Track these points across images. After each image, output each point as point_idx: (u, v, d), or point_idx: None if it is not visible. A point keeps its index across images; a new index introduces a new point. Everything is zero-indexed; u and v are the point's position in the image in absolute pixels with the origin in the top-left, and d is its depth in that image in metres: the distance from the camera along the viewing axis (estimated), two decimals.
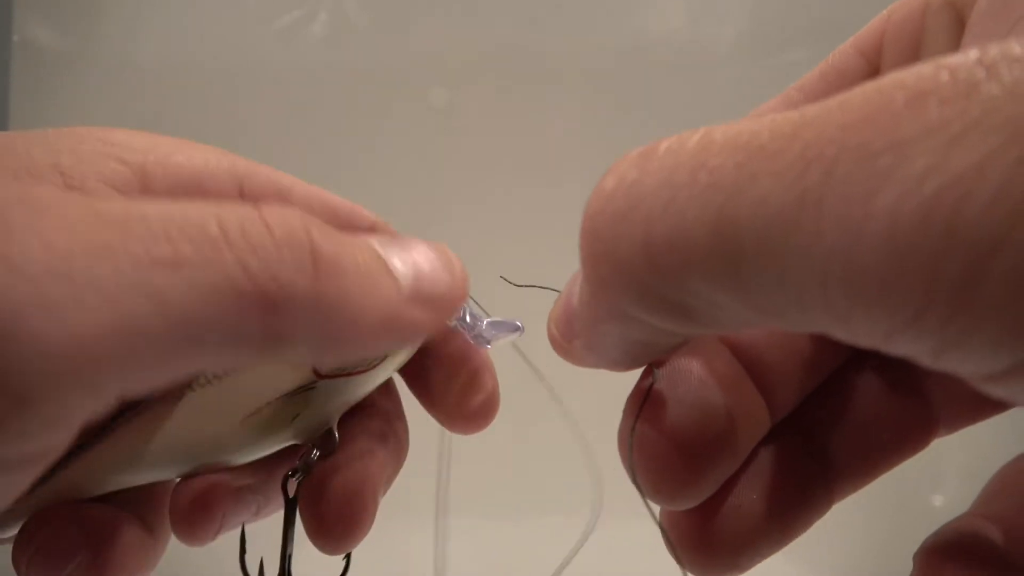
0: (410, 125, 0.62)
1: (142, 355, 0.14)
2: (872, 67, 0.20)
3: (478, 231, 0.59)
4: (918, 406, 0.20)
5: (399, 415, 0.23)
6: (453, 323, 0.22)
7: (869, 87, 0.12)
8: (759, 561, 0.19)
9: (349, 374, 0.21)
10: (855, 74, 0.20)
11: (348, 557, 0.23)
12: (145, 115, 0.62)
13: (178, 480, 0.22)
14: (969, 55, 0.11)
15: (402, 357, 0.22)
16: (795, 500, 0.19)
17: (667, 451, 0.18)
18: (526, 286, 0.22)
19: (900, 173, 0.10)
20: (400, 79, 0.62)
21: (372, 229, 0.22)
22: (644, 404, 0.19)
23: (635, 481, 0.18)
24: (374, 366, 0.21)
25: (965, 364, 0.11)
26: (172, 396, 0.18)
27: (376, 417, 0.23)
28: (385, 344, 0.19)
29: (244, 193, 0.20)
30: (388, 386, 0.24)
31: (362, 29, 0.63)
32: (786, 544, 0.20)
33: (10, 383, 0.13)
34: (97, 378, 0.14)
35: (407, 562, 0.52)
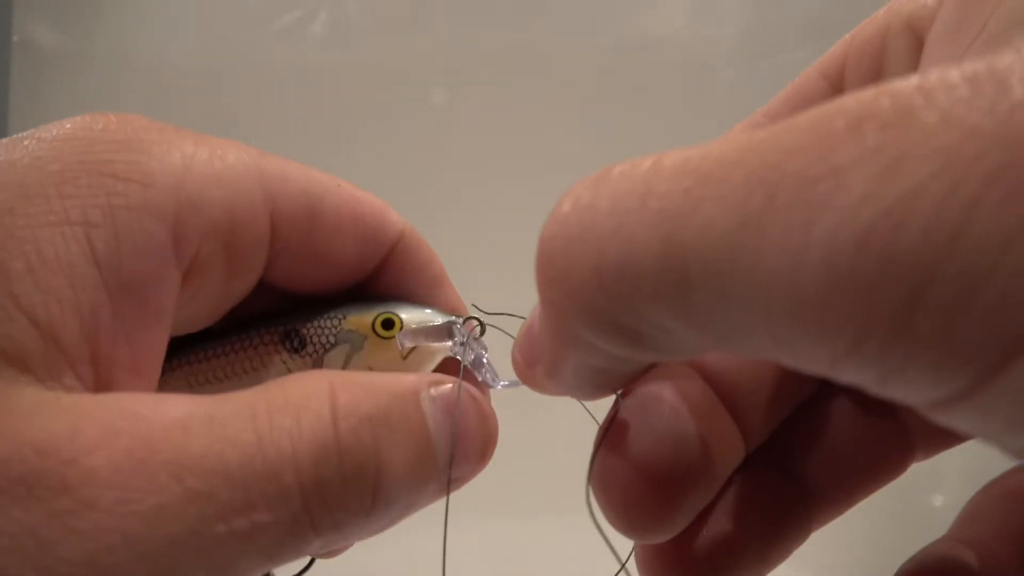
0: (410, 125, 0.62)
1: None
2: (835, 90, 0.20)
3: (478, 230, 0.59)
4: (894, 431, 0.20)
5: None
6: (459, 356, 0.22)
7: (815, 112, 0.12)
8: None
9: None
10: (818, 98, 0.20)
11: (311, 562, 0.22)
12: (144, 115, 0.62)
13: None
14: (910, 81, 0.11)
15: None
16: (773, 529, 0.19)
17: (637, 484, 0.18)
18: (497, 314, 0.22)
19: (837, 201, 0.10)
20: (400, 79, 0.62)
21: (400, 237, 0.22)
22: (606, 435, 0.18)
23: (592, 515, 0.18)
24: None
25: (909, 393, 0.11)
26: None
27: None
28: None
29: (275, 218, 0.19)
30: None
31: (362, 29, 0.63)
32: (765, 574, 0.19)
33: None
34: None
35: (414, 562, 0.52)
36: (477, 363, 0.21)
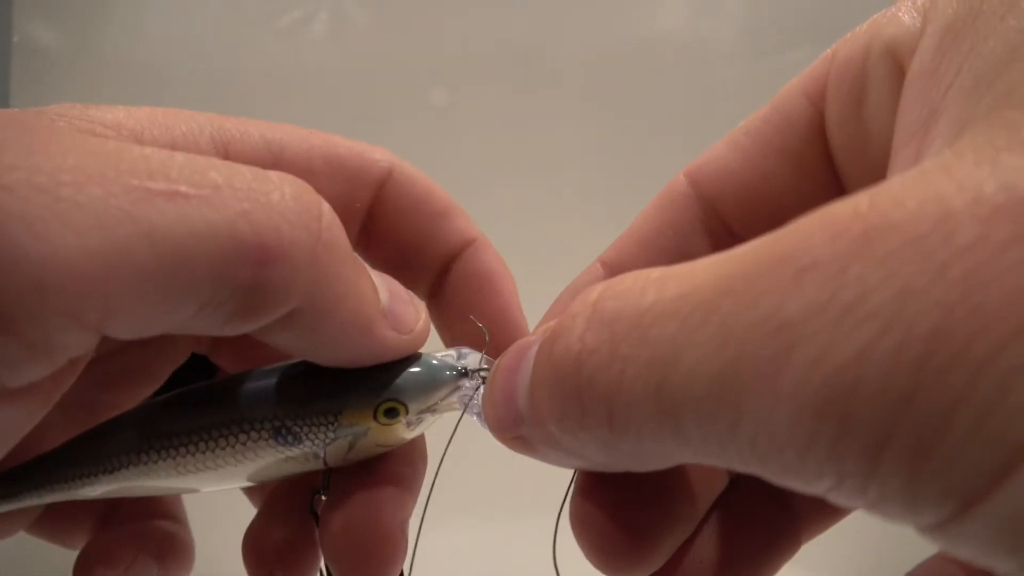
0: (410, 125, 0.62)
1: (127, 284, 0.13)
2: (816, 110, 0.19)
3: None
4: None
5: (416, 442, 0.22)
6: (461, 407, 0.21)
7: (768, 248, 0.12)
8: None
9: (355, 460, 0.20)
10: (800, 117, 0.19)
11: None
12: None
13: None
14: (846, 209, 0.11)
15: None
16: (761, 547, 0.19)
17: (614, 530, 0.17)
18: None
19: (794, 359, 0.11)
20: (400, 79, 0.62)
21: (389, 175, 0.21)
22: (571, 484, 0.18)
23: (555, 562, 0.18)
24: (379, 454, 0.21)
25: (895, 519, 0.12)
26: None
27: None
28: (355, 353, 0.18)
29: (231, 159, 0.19)
30: None
31: (362, 29, 0.63)
32: None
33: None
34: (80, 303, 0.13)
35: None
36: (476, 410, 0.20)
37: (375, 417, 0.18)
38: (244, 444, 0.19)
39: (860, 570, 0.56)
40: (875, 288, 0.10)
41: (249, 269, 0.14)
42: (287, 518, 0.22)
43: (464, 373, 0.19)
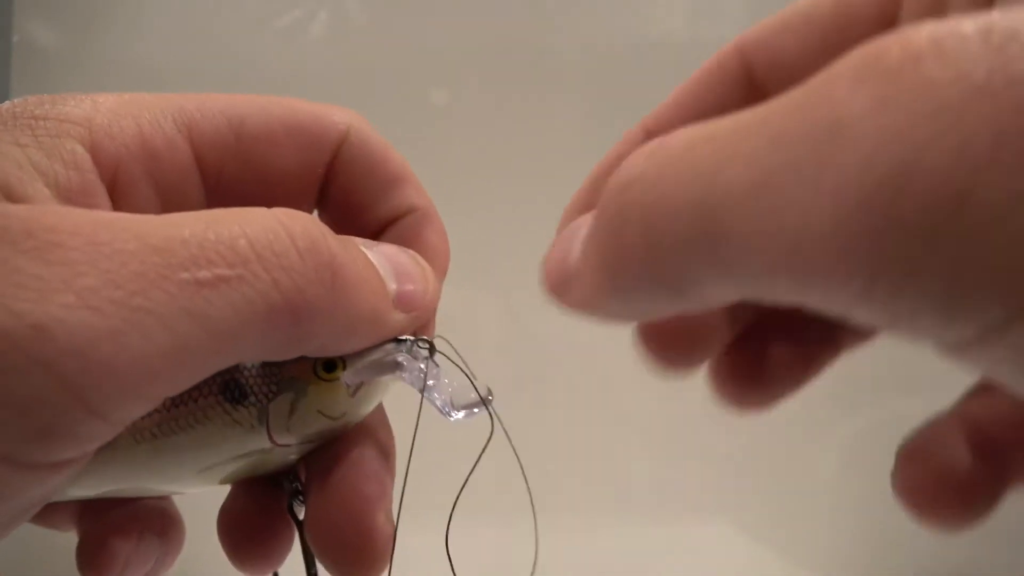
0: (410, 125, 0.62)
1: (189, 368, 0.16)
2: (885, 12, 0.18)
3: (478, 230, 0.59)
4: None
5: (383, 422, 0.23)
6: (412, 384, 0.21)
7: (835, 65, 0.12)
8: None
9: (307, 443, 0.21)
10: (865, 15, 0.18)
11: None
12: None
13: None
14: (921, 31, 0.11)
15: (365, 415, 0.22)
16: (809, 343, 0.20)
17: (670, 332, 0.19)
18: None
19: (841, 159, 0.11)
20: (400, 79, 0.62)
21: (346, 134, 0.22)
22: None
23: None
24: (334, 434, 0.21)
25: (921, 337, 0.11)
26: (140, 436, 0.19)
27: (360, 433, 0.22)
28: (368, 342, 0.20)
29: (195, 142, 0.20)
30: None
31: (362, 29, 0.63)
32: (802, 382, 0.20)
33: (88, 400, 0.15)
34: (152, 390, 0.16)
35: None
36: (432, 398, 0.20)
37: (315, 371, 0.20)
38: (196, 401, 0.19)
39: (860, 570, 0.56)
40: (944, 88, 0.10)
41: (285, 330, 0.17)
42: (259, 494, 0.22)
43: (400, 340, 0.20)
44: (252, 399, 0.19)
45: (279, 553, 0.22)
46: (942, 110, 0.10)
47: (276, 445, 0.20)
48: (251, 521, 0.22)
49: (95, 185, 0.19)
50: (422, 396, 0.21)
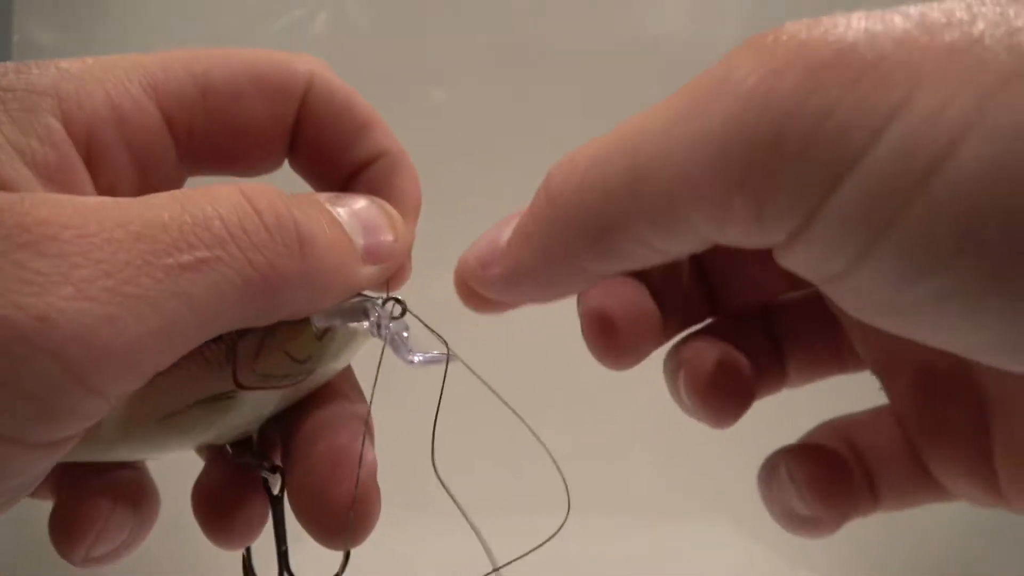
0: (410, 125, 0.62)
1: (177, 344, 0.17)
2: None
3: (478, 230, 0.59)
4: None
5: (357, 391, 0.23)
6: (376, 335, 0.21)
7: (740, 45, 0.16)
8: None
9: (271, 387, 0.21)
10: None
11: (347, 556, 0.22)
12: None
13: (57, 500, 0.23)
14: (786, 27, 0.15)
15: (333, 371, 0.22)
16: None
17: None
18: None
19: (726, 100, 0.15)
20: (400, 79, 0.62)
21: (310, 83, 0.22)
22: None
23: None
24: (299, 381, 0.21)
25: (763, 238, 0.15)
26: None
27: (335, 399, 0.22)
28: (339, 297, 0.21)
29: (162, 102, 0.21)
30: (346, 372, 0.23)
31: (362, 29, 0.63)
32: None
33: (88, 381, 0.16)
34: (145, 368, 0.17)
35: (410, 560, 0.52)
36: (395, 343, 0.21)
37: None
38: None
39: (860, 570, 0.56)
40: (783, 56, 0.14)
41: (262, 302, 0.18)
42: (232, 469, 0.23)
43: (370, 296, 0.21)
44: (223, 336, 0.20)
45: (252, 528, 0.23)
46: (780, 71, 0.14)
47: (239, 387, 0.20)
48: (224, 495, 0.23)
49: (72, 159, 0.19)
50: (384, 343, 0.21)
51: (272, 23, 0.63)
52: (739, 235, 0.16)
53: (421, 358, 0.21)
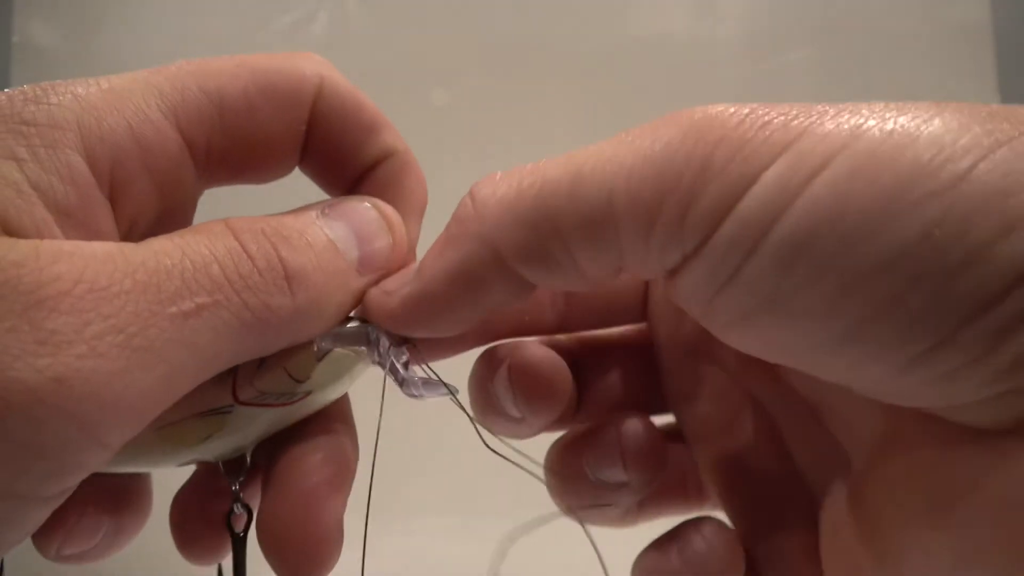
0: (410, 125, 0.62)
1: (179, 389, 0.18)
2: None
3: None
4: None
5: (349, 431, 0.23)
6: (377, 363, 0.22)
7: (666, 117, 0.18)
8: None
9: (269, 405, 0.21)
10: None
11: None
12: None
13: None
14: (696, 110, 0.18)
15: (330, 397, 0.22)
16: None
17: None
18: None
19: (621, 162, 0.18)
20: (400, 79, 0.62)
21: (319, 88, 0.22)
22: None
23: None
24: (295, 401, 0.21)
25: (659, 266, 0.18)
26: None
27: (322, 434, 0.22)
28: (339, 316, 0.21)
29: (182, 126, 0.21)
30: (341, 404, 0.23)
31: (362, 29, 0.63)
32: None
33: (98, 435, 0.16)
34: (149, 416, 0.17)
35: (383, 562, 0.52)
36: (393, 369, 0.21)
37: None
38: None
39: None
40: (664, 135, 0.17)
41: (256, 341, 0.19)
42: (210, 485, 0.23)
43: (365, 321, 0.22)
44: None
45: (219, 548, 0.23)
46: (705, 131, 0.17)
47: (237, 402, 0.20)
48: (200, 510, 0.23)
49: (93, 197, 0.19)
50: (385, 373, 0.21)
51: (272, 23, 0.63)
52: (653, 250, 0.18)
53: (422, 391, 0.21)
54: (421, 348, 0.22)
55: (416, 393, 0.21)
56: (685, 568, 0.22)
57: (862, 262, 0.15)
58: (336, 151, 0.23)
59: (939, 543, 0.17)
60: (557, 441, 0.24)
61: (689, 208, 0.17)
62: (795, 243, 0.15)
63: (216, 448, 0.21)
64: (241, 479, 0.22)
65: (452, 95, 0.63)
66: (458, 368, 0.24)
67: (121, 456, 0.20)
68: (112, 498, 0.22)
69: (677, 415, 0.25)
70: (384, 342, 0.21)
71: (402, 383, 0.21)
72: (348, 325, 0.21)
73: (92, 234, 0.19)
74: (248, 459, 0.22)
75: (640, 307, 0.25)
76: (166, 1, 0.63)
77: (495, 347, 0.23)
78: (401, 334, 0.21)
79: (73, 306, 0.16)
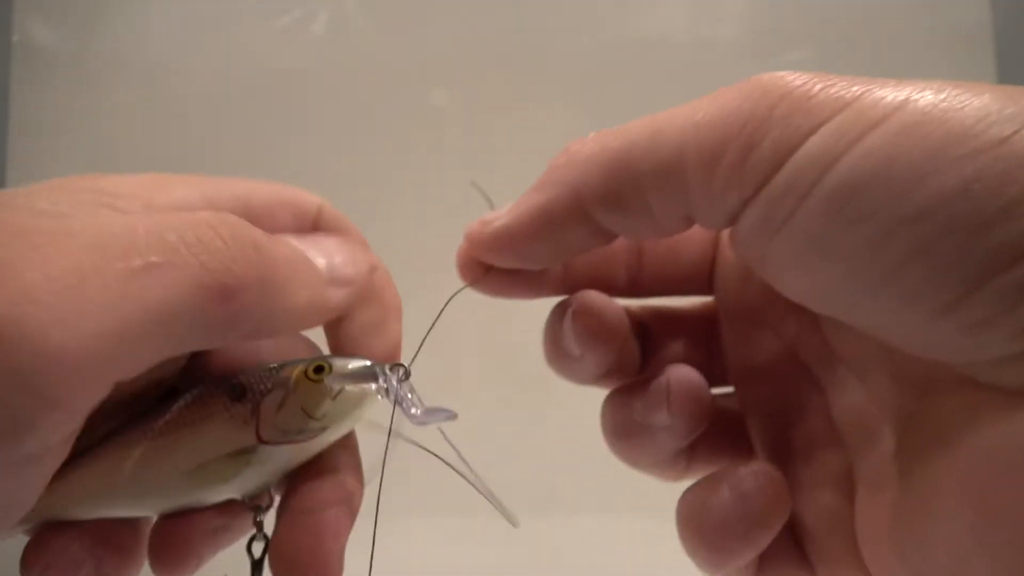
0: (410, 125, 0.62)
1: (133, 348, 0.17)
2: None
3: None
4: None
5: (354, 468, 0.24)
6: (385, 397, 0.23)
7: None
8: None
9: (289, 442, 0.23)
10: None
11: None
12: (144, 115, 0.62)
13: (155, 519, 0.23)
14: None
15: (341, 431, 0.24)
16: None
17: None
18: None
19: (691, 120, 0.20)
20: (400, 79, 0.62)
21: (318, 213, 0.25)
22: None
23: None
24: (313, 436, 0.23)
25: (727, 206, 0.19)
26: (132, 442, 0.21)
27: (329, 471, 0.24)
28: (310, 323, 0.22)
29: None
30: (348, 440, 0.25)
31: (362, 29, 0.63)
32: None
33: (43, 390, 0.16)
34: (103, 373, 0.17)
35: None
36: (401, 402, 0.23)
37: (306, 373, 0.23)
38: (204, 401, 0.22)
39: None
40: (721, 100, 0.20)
41: (218, 307, 0.18)
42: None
43: (374, 366, 0.24)
44: (250, 395, 0.22)
45: (185, 563, 0.23)
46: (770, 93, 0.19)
47: (260, 441, 0.22)
48: (174, 528, 0.23)
49: None
50: (394, 407, 0.23)
51: (272, 23, 0.63)
52: (715, 194, 0.19)
53: (423, 415, 0.23)
54: (510, 279, 0.25)
55: (422, 421, 0.23)
56: (735, 502, 0.22)
57: (903, 209, 0.16)
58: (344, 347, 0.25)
59: (969, 504, 0.17)
60: (612, 390, 0.26)
61: (750, 154, 0.18)
62: (846, 189, 0.17)
63: (244, 485, 0.23)
64: (265, 513, 0.24)
65: (451, 95, 0.63)
66: (452, 395, 0.24)
67: (154, 498, 0.22)
68: (98, 539, 0.22)
69: (735, 383, 0.27)
70: (394, 385, 0.23)
71: (409, 414, 0.23)
72: (357, 365, 0.23)
73: None
74: (272, 494, 0.24)
75: (707, 278, 0.27)
76: (166, 1, 0.63)
77: (568, 297, 0.26)
78: (490, 262, 0.24)
79: (5, 256, 0.16)
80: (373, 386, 0.23)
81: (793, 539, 0.24)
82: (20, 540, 0.21)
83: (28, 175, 0.62)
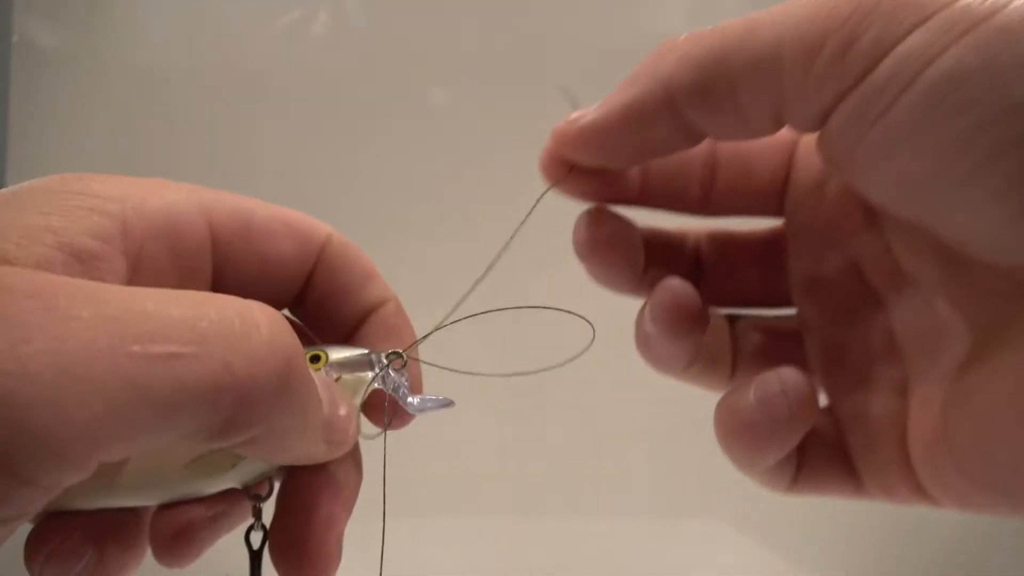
0: (410, 125, 0.62)
1: (125, 438, 0.16)
2: None
3: (477, 230, 0.59)
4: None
5: (352, 457, 0.24)
6: (381, 385, 0.23)
7: None
8: None
9: None
10: None
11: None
12: (144, 115, 0.62)
13: (156, 507, 0.23)
14: None
15: None
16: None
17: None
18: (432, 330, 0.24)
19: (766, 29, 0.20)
20: (400, 79, 0.62)
21: (328, 240, 0.24)
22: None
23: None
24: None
25: (817, 104, 0.20)
26: None
27: (327, 462, 0.23)
28: (293, 460, 0.22)
29: (212, 223, 0.22)
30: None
31: (362, 29, 0.63)
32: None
33: (19, 469, 0.15)
34: (86, 458, 0.16)
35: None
36: (396, 390, 0.23)
37: None
38: None
39: (860, 570, 0.56)
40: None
41: (223, 414, 0.17)
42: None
43: (370, 354, 0.23)
44: None
45: (186, 550, 0.23)
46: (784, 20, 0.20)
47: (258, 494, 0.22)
48: (174, 516, 0.23)
49: (113, 254, 0.19)
50: (388, 395, 0.23)
51: (272, 23, 0.63)
52: (811, 87, 0.19)
53: (419, 403, 0.24)
54: (589, 180, 0.26)
55: (418, 407, 0.23)
56: (759, 406, 0.23)
57: (1000, 103, 0.17)
58: (334, 295, 0.25)
59: None
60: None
61: (852, 44, 0.18)
62: (950, 80, 0.17)
63: (244, 475, 0.23)
64: (264, 502, 0.23)
65: (451, 95, 0.63)
66: (449, 387, 0.24)
67: (154, 489, 0.22)
68: (100, 529, 0.22)
69: (799, 302, 0.27)
70: (390, 374, 0.23)
71: (405, 400, 0.23)
72: (352, 353, 0.23)
73: (94, 279, 0.19)
74: (273, 483, 0.24)
75: (778, 197, 0.27)
76: (166, 1, 0.63)
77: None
78: (576, 158, 0.25)
79: (16, 318, 0.15)
80: (369, 374, 0.23)
81: (839, 449, 0.24)
82: (22, 530, 0.21)
83: (28, 175, 0.62)
